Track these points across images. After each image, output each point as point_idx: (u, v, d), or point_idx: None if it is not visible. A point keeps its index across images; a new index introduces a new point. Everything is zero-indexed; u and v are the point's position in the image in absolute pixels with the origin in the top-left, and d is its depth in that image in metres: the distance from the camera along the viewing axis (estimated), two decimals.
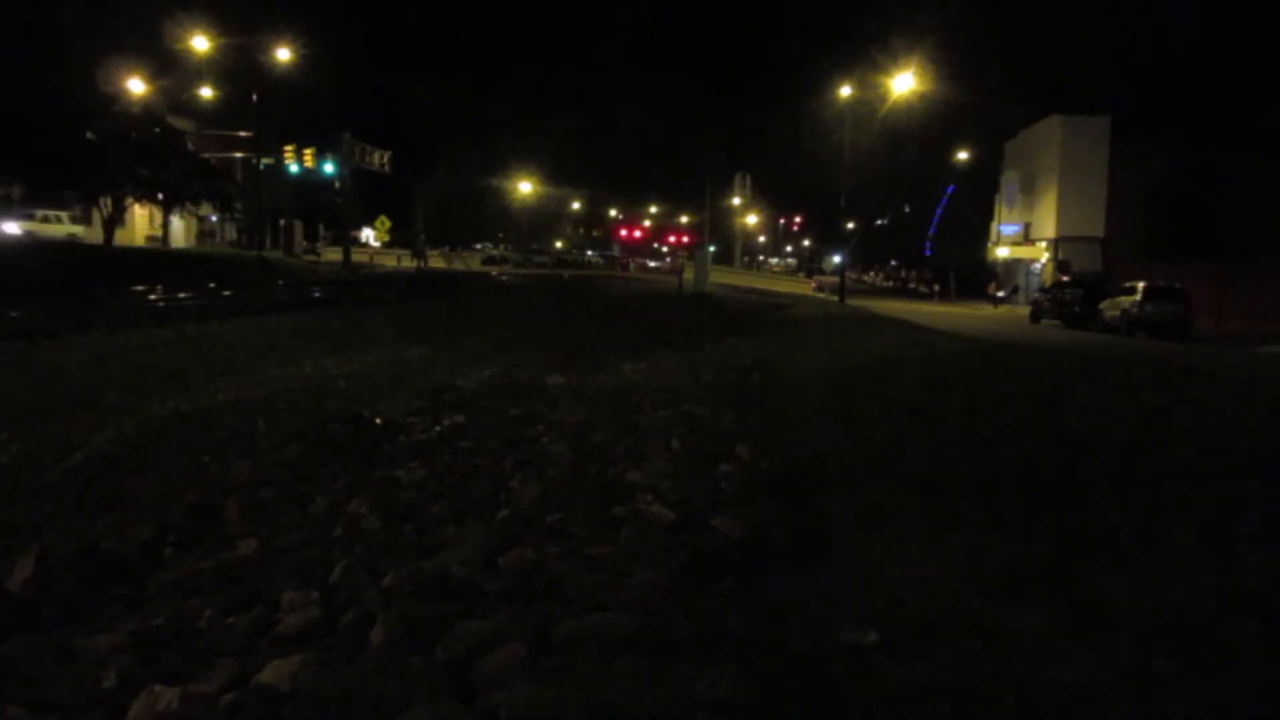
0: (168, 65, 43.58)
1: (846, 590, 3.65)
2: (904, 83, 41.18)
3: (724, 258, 72.85)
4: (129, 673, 3.32)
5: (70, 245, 36.78)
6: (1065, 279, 36.88)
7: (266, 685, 3.05)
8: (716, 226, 69.79)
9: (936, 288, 63.41)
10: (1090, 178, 47.93)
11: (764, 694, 2.79)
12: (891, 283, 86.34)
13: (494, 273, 60.66)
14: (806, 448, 6.55)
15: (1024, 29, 67.96)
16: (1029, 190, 53.54)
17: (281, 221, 56.18)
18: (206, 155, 46.74)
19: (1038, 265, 52.81)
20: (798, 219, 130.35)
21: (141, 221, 48.49)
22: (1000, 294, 49.66)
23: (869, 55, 50.77)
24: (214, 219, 56.87)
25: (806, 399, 9.43)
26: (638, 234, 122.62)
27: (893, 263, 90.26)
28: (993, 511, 4.64)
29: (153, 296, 25.24)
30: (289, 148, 51.12)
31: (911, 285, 76.27)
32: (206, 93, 47.92)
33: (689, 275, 49.05)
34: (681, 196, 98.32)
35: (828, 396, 9.51)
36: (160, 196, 41.74)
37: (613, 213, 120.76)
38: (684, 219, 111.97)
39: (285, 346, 17.55)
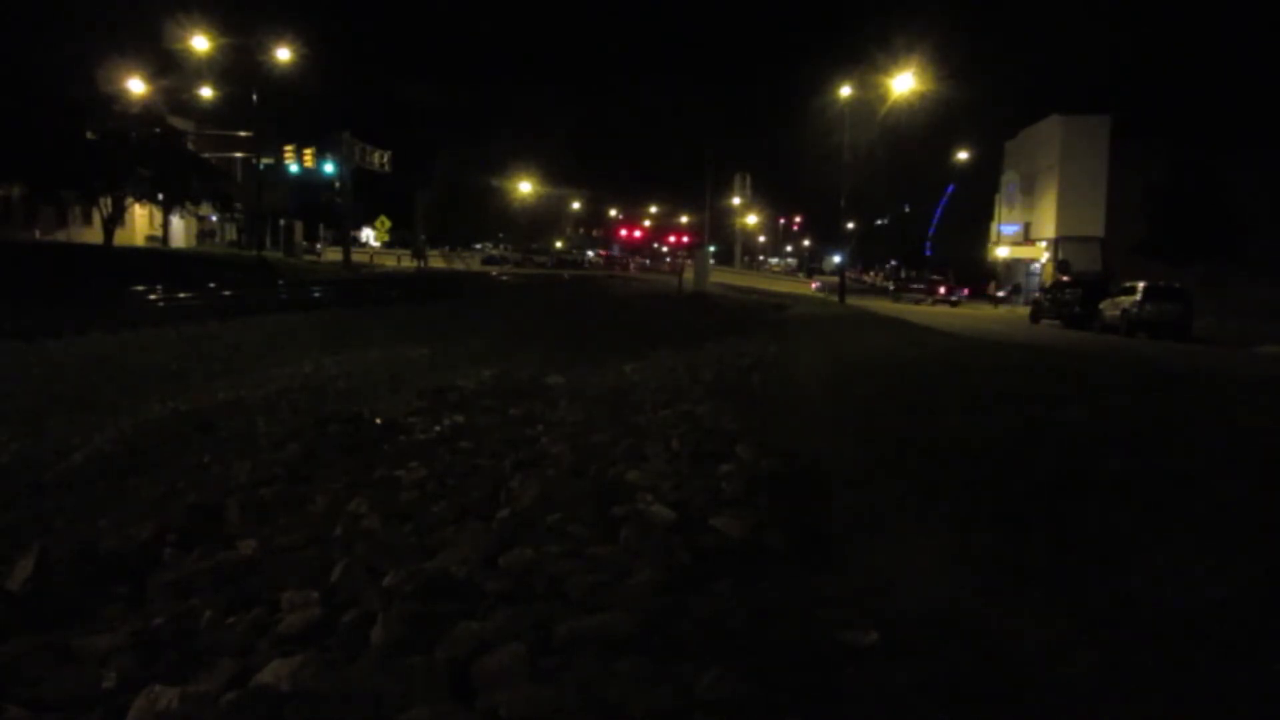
0: (168, 65, 43.60)
1: (846, 590, 3.65)
2: (904, 82, 41.22)
3: (724, 258, 72.84)
4: (129, 673, 3.32)
5: (69, 245, 36.78)
6: (1065, 279, 36.86)
7: (266, 685, 3.05)
8: (716, 226, 69.79)
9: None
10: (1090, 178, 47.99)
11: (764, 694, 2.79)
12: (891, 283, 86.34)
13: (494, 273, 60.66)
14: (806, 447, 6.55)
15: (1024, 29, 68.03)
16: (1029, 190, 53.62)
17: (281, 221, 56.22)
18: (206, 155, 46.74)
19: (1038, 265, 52.85)
20: (798, 219, 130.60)
21: (141, 221, 48.48)
22: (1000, 294, 49.73)
23: (869, 55, 50.77)
24: (214, 219, 56.89)
25: (806, 399, 9.43)
26: (638, 234, 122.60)
27: (893, 263, 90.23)
28: (994, 511, 4.64)
29: (152, 296, 25.24)
30: (289, 148, 51.19)
31: (912, 285, 76.17)
32: (206, 93, 47.92)
33: (689, 275, 49.13)
34: (681, 196, 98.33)
35: (828, 396, 9.51)
36: (160, 196, 41.73)
37: (613, 213, 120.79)
38: (684, 219, 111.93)
39: (285, 346, 17.58)
